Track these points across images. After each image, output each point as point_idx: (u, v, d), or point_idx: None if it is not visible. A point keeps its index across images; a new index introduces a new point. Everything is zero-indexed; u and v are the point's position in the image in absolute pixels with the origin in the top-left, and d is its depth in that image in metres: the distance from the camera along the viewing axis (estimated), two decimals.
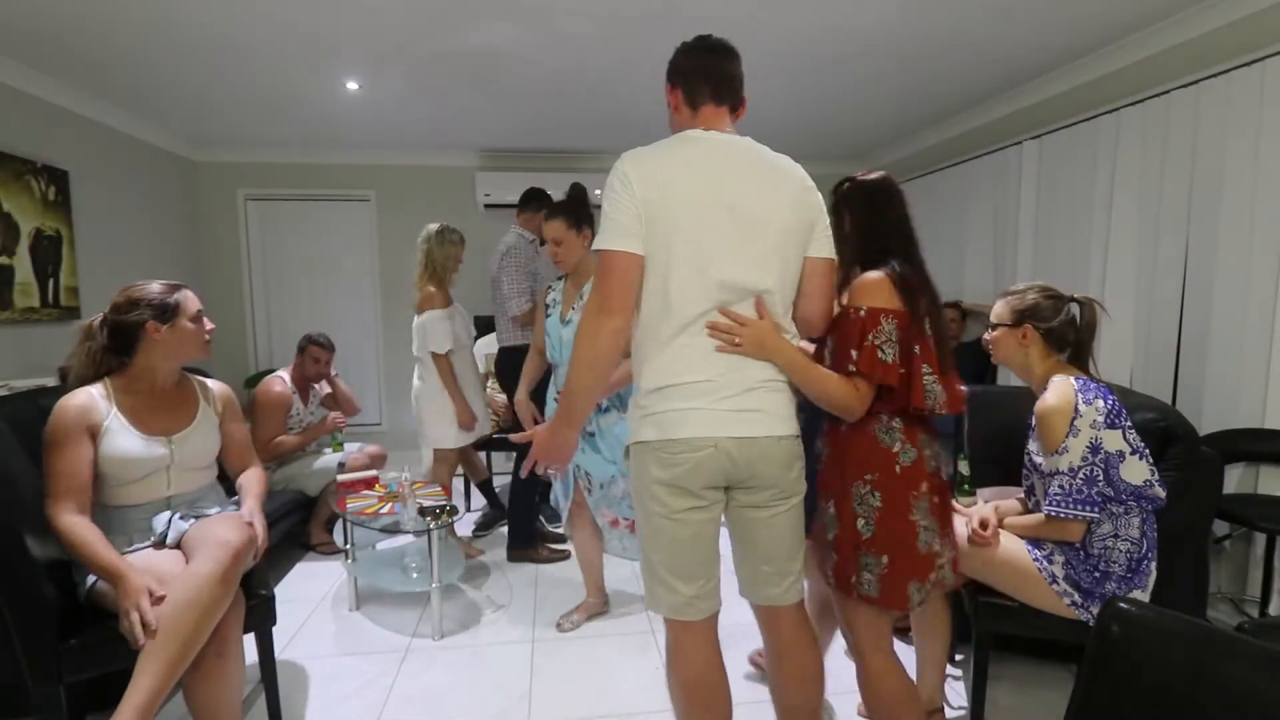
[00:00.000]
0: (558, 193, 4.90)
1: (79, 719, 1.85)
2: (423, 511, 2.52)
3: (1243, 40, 2.52)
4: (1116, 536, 1.65)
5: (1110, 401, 1.64)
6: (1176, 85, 2.72)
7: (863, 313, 1.43)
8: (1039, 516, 1.71)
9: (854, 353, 1.42)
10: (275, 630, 1.89)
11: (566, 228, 2.36)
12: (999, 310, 1.79)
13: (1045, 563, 1.70)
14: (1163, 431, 2.01)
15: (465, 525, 3.62)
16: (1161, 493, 1.65)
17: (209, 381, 1.98)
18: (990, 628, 1.85)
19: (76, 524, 1.59)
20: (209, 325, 1.86)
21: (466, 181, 4.95)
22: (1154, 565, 1.67)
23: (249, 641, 1.78)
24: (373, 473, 2.96)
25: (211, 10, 2.59)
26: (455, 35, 2.85)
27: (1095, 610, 1.63)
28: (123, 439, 1.70)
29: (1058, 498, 1.63)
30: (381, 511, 2.61)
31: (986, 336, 1.83)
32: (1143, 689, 0.92)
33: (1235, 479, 2.51)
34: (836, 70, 3.32)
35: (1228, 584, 2.58)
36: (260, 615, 1.83)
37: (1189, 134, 2.68)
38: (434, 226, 3.15)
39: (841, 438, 1.52)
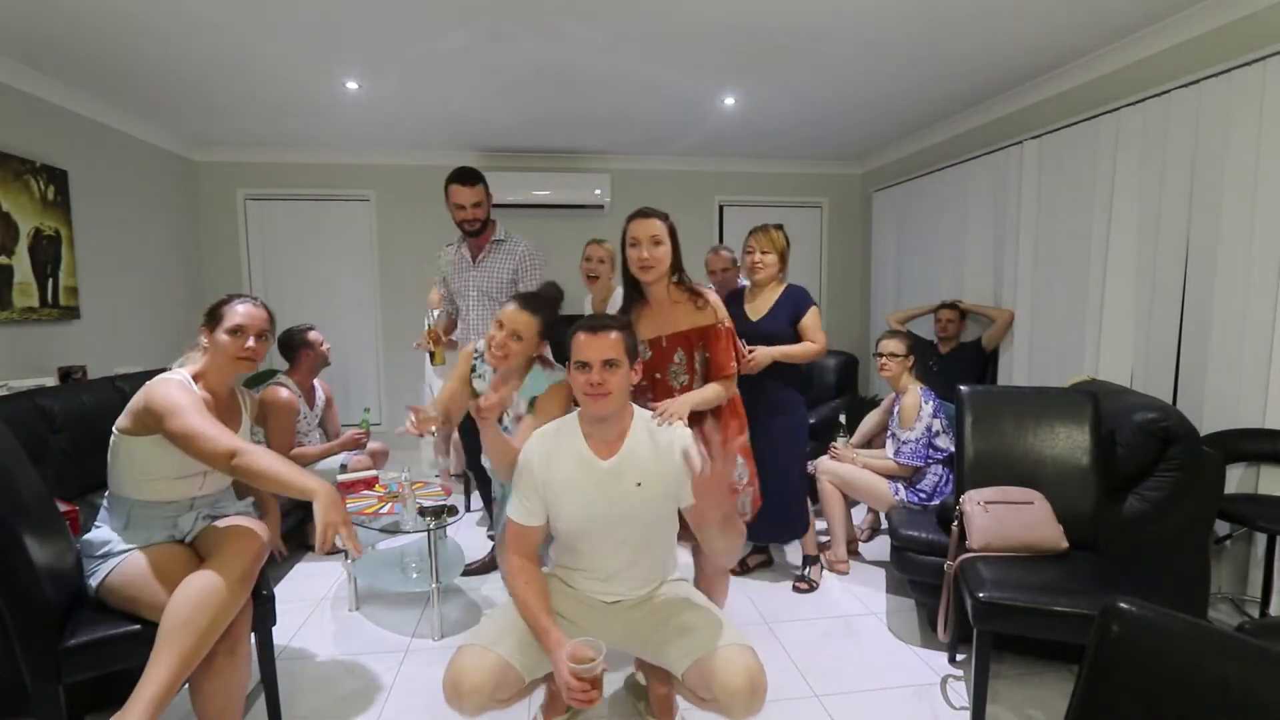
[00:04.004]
0: (558, 193, 4.97)
1: (78, 719, 1.86)
2: (423, 512, 2.52)
3: (1243, 40, 2.52)
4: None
5: (935, 401, 2.85)
6: (1176, 85, 2.72)
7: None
8: (890, 463, 2.86)
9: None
10: (275, 630, 1.89)
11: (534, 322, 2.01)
12: (894, 345, 2.90)
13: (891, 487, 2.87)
14: (1164, 431, 2.01)
15: (466, 525, 3.62)
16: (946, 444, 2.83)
17: (247, 393, 2.03)
18: (991, 628, 1.85)
19: (265, 452, 1.63)
20: (249, 343, 1.83)
21: None
22: (947, 486, 2.78)
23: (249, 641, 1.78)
24: (373, 472, 2.96)
25: (212, 10, 2.59)
26: (454, 35, 2.85)
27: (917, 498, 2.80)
28: None
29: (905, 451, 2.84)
30: (381, 511, 2.61)
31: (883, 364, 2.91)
32: (1143, 689, 0.92)
33: (1236, 479, 2.51)
34: (836, 70, 3.32)
35: (1228, 584, 2.58)
36: (261, 615, 1.83)
37: (1189, 134, 2.68)
38: None
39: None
